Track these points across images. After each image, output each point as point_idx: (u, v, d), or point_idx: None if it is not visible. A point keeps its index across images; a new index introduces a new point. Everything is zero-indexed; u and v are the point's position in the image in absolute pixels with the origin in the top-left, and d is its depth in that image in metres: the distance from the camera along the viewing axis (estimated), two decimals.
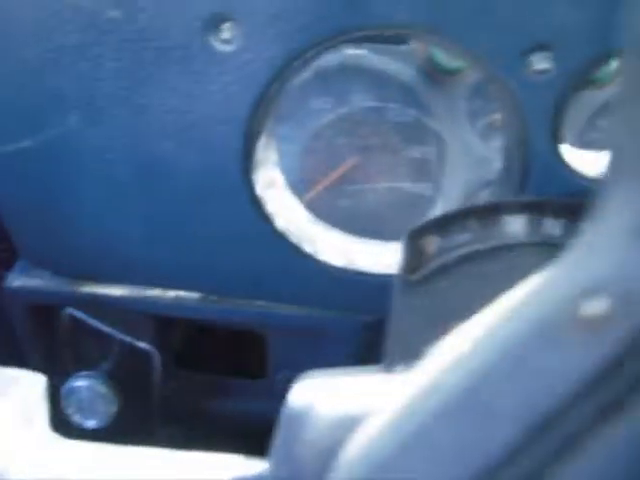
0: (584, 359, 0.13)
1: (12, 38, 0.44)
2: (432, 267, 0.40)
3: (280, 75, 0.41)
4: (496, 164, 0.63)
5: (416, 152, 0.64)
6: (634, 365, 0.13)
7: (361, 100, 0.64)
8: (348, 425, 0.27)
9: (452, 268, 0.40)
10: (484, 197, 0.61)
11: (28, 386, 0.30)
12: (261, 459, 0.35)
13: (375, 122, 0.64)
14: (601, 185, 0.16)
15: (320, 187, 0.64)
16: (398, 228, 0.66)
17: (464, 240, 0.41)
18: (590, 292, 0.14)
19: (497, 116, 0.62)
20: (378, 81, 0.63)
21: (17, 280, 0.62)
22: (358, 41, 0.41)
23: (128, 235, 0.53)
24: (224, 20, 0.40)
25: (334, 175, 0.64)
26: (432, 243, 0.41)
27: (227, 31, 0.41)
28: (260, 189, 0.47)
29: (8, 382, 0.31)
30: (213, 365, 0.69)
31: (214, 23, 0.41)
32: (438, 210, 0.63)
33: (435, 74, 0.60)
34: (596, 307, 0.14)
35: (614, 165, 0.16)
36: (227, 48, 0.41)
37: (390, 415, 0.19)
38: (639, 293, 0.13)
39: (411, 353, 0.40)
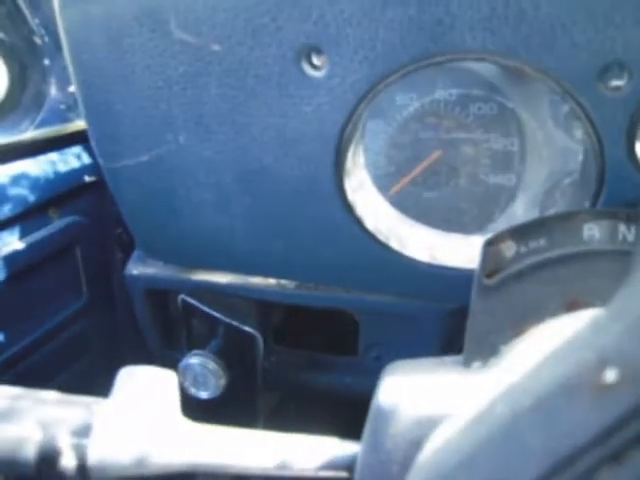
0: (596, 417, 0.18)
1: (128, 71, 0.50)
2: (508, 272, 0.43)
3: (365, 97, 0.45)
4: (578, 155, 0.64)
5: (499, 143, 0.65)
6: (636, 426, 0.17)
7: (444, 93, 0.66)
8: (426, 424, 0.32)
9: (527, 273, 0.43)
10: (562, 193, 0.62)
11: (164, 380, 0.37)
12: (352, 441, 0.40)
13: (458, 115, 0.66)
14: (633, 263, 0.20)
15: (405, 180, 0.67)
16: (480, 219, 0.70)
17: (540, 247, 0.44)
18: (605, 363, 0.18)
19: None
20: (460, 75, 0.65)
21: (135, 268, 0.70)
22: (435, 66, 0.44)
23: (233, 230, 0.59)
24: (314, 50, 0.45)
25: (419, 168, 0.67)
26: (509, 249, 0.45)
27: (317, 59, 0.45)
28: (351, 194, 0.52)
29: (147, 378, 0.38)
30: (309, 342, 0.75)
31: (306, 52, 0.45)
32: (519, 201, 0.65)
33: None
34: (608, 376, 0.18)
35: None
36: (318, 74, 0.46)
37: (452, 433, 0.23)
38: None
39: (486, 351, 0.44)
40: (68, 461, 0.34)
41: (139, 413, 0.36)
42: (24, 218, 0.73)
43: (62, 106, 0.74)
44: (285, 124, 0.49)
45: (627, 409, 0.17)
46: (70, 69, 0.53)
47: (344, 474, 0.38)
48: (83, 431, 0.35)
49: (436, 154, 0.67)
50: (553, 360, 0.21)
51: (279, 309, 0.75)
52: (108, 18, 0.48)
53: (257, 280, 0.65)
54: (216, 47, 0.46)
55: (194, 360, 0.64)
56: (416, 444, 0.31)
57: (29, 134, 0.72)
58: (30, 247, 0.73)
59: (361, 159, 0.54)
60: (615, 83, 0.41)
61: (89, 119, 0.55)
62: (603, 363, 0.18)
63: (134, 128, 0.53)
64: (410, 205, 0.64)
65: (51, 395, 0.37)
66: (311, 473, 0.38)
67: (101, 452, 0.35)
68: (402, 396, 0.35)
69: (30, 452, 0.34)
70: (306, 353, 0.75)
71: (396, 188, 0.67)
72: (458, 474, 0.21)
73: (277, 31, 0.45)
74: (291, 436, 0.40)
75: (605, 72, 0.41)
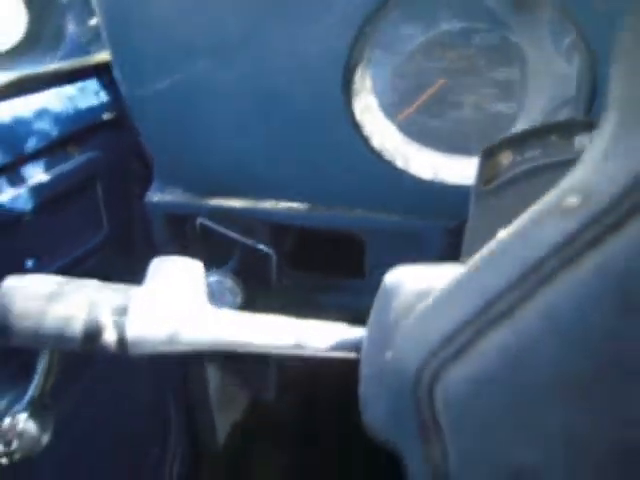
0: (562, 231, 0.22)
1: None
2: (504, 179, 0.47)
3: (373, 17, 0.49)
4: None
5: (501, 73, 0.68)
6: (589, 235, 0.21)
7: (448, 25, 0.69)
8: (423, 295, 0.36)
9: (521, 179, 0.47)
10: (564, 115, 0.65)
11: (192, 269, 0.42)
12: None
13: (462, 45, 0.69)
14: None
15: (411, 108, 0.70)
16: (483, 144, 0.72)
17: (534, 155, 0.48)
18: (569, 192, 0.22)
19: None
20: (464, 6, 0.67)
21: (155, 196, 0.74)
22: None
23: (250, 154, 0.63)
24: None
25: (424, 96, 0.70)
26: (506, 158, 0.48)
27: None
28: (359, 114, 0.55)
29: (176, 267, 0.42)
30: (320, 265, 0.80)
31: None
32: (520, 127, 0.68)
33: None
34: (571, 201, 0.22)
35: (606, 106, 0.24)
36: None
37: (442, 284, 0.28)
38: (597, 195, 0.21)
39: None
40: (109, 336, 0.39)
41: (170, 297, 0.40)
42: (46, 153, 0.76)
43: (83, 39, 0.77)
44: (298, 46, 0.52)
45: (583, 221, 0.21)
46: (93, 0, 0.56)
47: (352, 354, 0.43)
48: (122, 311, 0.39)
49: (440, 83, 0.70)
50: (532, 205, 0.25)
51: (294, 235, 0.79)
52: None
53: (270, 204, 0.69)
54: None
55: (212, 278, 0.69)
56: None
57: (51, 66, 0.75)
58: (53, 180, 0.76)
59: (369, 83, 0.58)
60: None
61: (113, 47, 0.58)
62: (568, 193, 0.22)
63: (156, 53, 0.56)
64: (415, 131, 0.67)
65: (92, 282, 0.42)
66: (323, 353, 0.43)
67: (138, 329, 0.39)
68: (405, 276, 0.39)
69: (76, 328, 0.39)
70: (317, 276, 0.79)
71: (402, 116, 0.70)
72: (448, 294, 0.26)
73: None
74: (306, 321, 0.44)
75: None
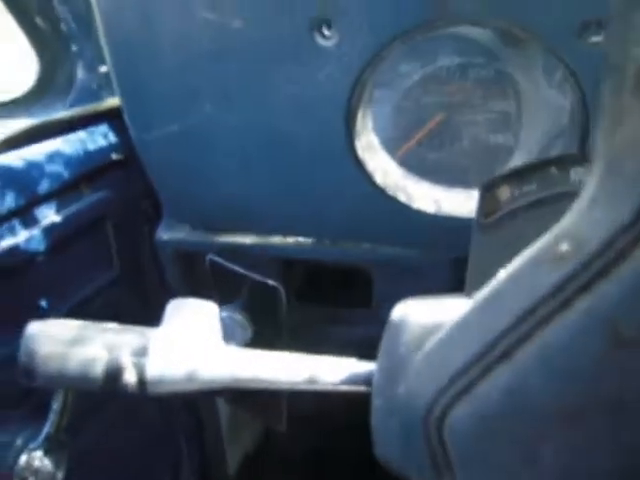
0: (555, 276, 0.23)
1: (158, 49, 0.56)
2: (503, 213, 0.49)
3: (371, 63, 0.51)
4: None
5: (497, 106, 0.71)
6: (580, 281, 0.23)
7: (445, 60, 0.71)
8: (431, 330, 0.38)
9: (519, 213, 0.49)
10: (559, 146, 0.67)
11: (207, 311, 0.44)
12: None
13: (459, 81, 0.71)
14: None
15: (411, 142, 0.73)
16: (482, 176, 0.74)
17: (532, 189, 0.50)
18: (560, 238, 0.24)
19: None
20: (461, 45, 0.70)
21: (164, 234, 0.77)
22: (435, 34, 0.49)
23: (255, 193, 0.65)
24: (325, 22, 0.50)
25: (423, 131, 0.72)
26: (504, 192, 0.50)
27: (328, 30, 0.51)
28: (361, 152, 0.57)
29: (193, 309, 0.44)
30: (328, 298, 0.82)
31: (317, 25, 0.51)
32: (516, 159, 0.70)
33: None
34: (563, 248, 0.24)
35: (593, 158, 0.26)
36: (328, 43, 0.51)
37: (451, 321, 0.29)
38: (586, 242, 0.23)
39: (486, 283, 0.50)
40: (130, 377, 0.41)
41: (187, 337, 0.42)
42: (58, 194, 0.78)
43: (94, 86, 0.80)
44: (300, 91, 0.54)
45: (574, 267, 0.23)
46: (105, 49, 0.58)
47: (363, 388, 0.44)
48: (141, 352, 0.41)
49: (439, 117, 0.72)
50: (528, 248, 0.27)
51: (300, 269, 0.80)
52: (139, 2, 0.54)
53: (277, 239, 0.71)
54: (237, 23, 0.52)
55: (222, 313, 0.70)
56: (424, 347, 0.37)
57: (63, 113, 0.78)
58: (65, 221, 0.78)
59: (370, 123, 0.60)
60: (594, 39, 0.47)
61: (122, 94, 0.61)
62: (560, 240, 0.24)
63: (164, 101, 0.59)
64: (416, 165, 0.69)
65: (111, 325, 0.44)
66: (335, 387, 0.44)
67: (157, 369, 0.41)
68: (412, 310, 0.40)
69: (98, 370, 0.41)
70: (324, 308, 0.81)
71: (403, 150, 0.73)
72: (454, 334, 0.27)
73: (291, 7, 0.50)
74: (318, 356, 0.46)
75: (584, 29, 0.46)
